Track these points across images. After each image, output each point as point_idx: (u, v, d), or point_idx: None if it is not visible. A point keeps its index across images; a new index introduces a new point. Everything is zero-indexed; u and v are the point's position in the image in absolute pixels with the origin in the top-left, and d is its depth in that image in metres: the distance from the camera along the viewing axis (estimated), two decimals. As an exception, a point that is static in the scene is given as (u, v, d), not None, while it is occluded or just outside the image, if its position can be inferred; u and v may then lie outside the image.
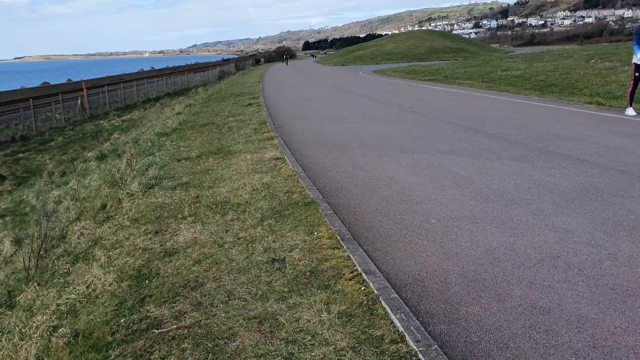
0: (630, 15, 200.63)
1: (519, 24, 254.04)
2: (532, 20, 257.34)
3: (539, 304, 3.96)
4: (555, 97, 18.23)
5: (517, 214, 6.04)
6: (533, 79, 23.78)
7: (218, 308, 4.12)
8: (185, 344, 3.65)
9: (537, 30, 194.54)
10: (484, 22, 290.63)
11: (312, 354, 3.39)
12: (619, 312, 3.83)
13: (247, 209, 6.59)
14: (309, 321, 3.78)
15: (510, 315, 3.83)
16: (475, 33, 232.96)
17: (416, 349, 3.32)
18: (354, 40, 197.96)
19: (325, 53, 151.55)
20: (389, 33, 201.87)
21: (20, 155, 20.99)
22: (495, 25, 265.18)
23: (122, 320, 4.15)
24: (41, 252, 6.63)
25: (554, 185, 7.13)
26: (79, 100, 33.26)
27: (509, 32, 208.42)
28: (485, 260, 4.80)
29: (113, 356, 3.65)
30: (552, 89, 20.38)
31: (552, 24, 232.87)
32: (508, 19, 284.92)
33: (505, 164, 8.51)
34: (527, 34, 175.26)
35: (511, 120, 13.23)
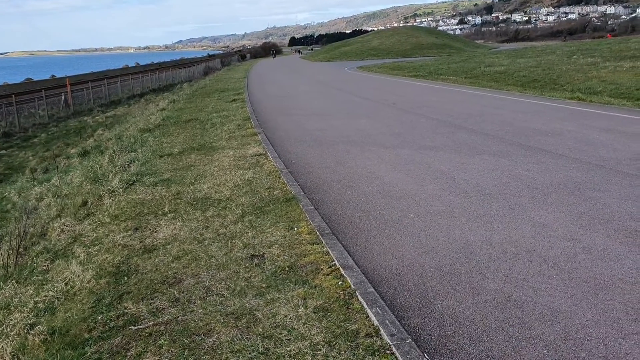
0: (612, 12, 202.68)
1: (504, 20, 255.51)
2: (517, 17, 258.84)
3: (513, 297, 4.02)
4: (536, 93, 18.40)
5: (494, 209, 6.11)
6: (516, 74, 23.97)
7: (196, 304, 4.13)
8: (162, 341, 3.66)
9: (521, 27, 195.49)
10: (469, 18, 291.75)
11: (288, 348, 3.42)
12: (591, 304, 3.90)
13: (228, 205, 6.60)
14: (286, 316, 3.81)
15: (484, 308, 3.89)
16: (460, 29, 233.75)
17: (390, 343, 3.36)
18: (339, 36, 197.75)
19: (312, 49, 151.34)
20: (375, 29, 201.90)
21: (2, 152, 20.76)
22: (480, 22, 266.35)
23: (99, 317, 4.15)
24: (20, 250, 6.58)
25: (532, 180, 7.21)
26: (63, 97, 32.91)
27: (494, 28, 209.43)
28: (461, 255, 4.86)
29: (89, 353, 3.65)
30: (534, 85, 20.56)
31: (536, 20, 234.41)
32: (493, 15, 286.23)
33: (485, 159, 8.59)
34: (511, 30, 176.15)
35: (492, 116, 13.34)
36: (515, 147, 9.39)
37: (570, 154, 8.62)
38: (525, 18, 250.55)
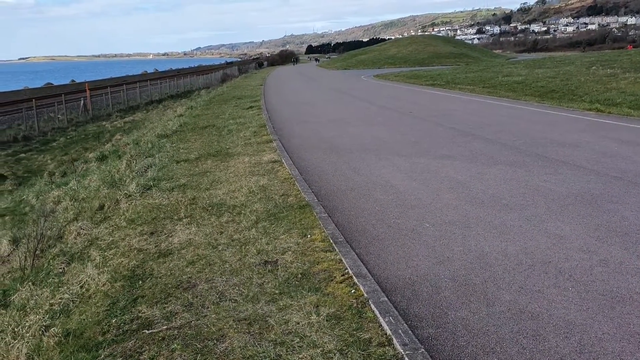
0: (633, 22, 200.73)
1: (522, 30, 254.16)
2: (535, 27, 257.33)
3: (528, 309, 3.98)
4: (554, 104, 18.25)
5: (510, 219, 6.06)
6: (534, 85, 23.80)
7: (209, 309, 4.15)
8: (175, 345, 3.67)
9: (539, 37, 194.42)
10: (487, 27, 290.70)
11: (300, 356, 3.42)
12: (607, 318, 3.84)
13: (243, 211, 6.62)
14: (298, 323, 3.80)
15: (498, 319, 3.85)
16: (478, 39, 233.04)
17: (403, 353, 3.34)
18: (357, 45, 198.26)
19: (329, 57, 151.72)
20: (392, 38, 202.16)
21: (22, 155, 21.05)
22: (498, 31, 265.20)
23: (113, 321, 4.18)
24: (37, 252, 6.66)
25: (548, 191, 7.14)
26: (82, 101, 33.31)
27: (512, 38, 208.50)
28: (476, 265, 4.82)
29: (102, 356, 3.67)
30: (552, 95, 20.40)
31: (555, 31, 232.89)
32: (511, 25, 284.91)
33: (501, 169, 8.53)
34: (529, 40, 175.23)
35: (510, 126, 13.25)
36: (533, 157, 9.32)
37: (588, 165, 8.53)
38: (544, 28, 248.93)
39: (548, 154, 9.53)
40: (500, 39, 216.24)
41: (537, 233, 5.61)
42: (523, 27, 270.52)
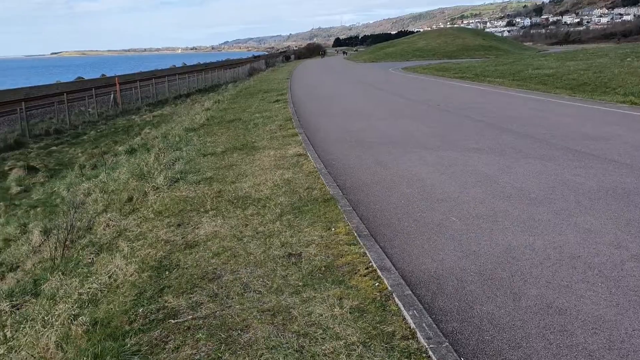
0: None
1: (554, 22, 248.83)
2: (568, 18, 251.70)
3: (555, 304, 3.91)
4: (586, 96, 17.86)
5: (539, 213, 5.96)
6: (565, 77, 23.32)
7: (233, 300, 4.18)
8: (200, 334, 3.71)
9: (572, 29, 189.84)
10: (518, 20, 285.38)
11: (323, 347, 3.42)
12: (638, 314, 3.75)
13: (267, 204, 6.65)
14: (321, 315, 3.81)
15: (525, 314, 3.79)
16: (509, 31, 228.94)
17: (427, 346, 3.32)
18: (384, 37, 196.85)
19: (356, 50, 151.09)
20: (421, 30, 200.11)
21: (54, 148, 21.47)
22: (529, 23, 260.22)
23: (140, 310, 4.24)
24: (67, 242, 6.80)
25: (579, 185, 7.00)
26: (112, 95, 33.85)
27: (543, 31, 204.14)
28: (503, 259, 4.76)
29: (129, 345, 3.73)
30: (584, 88, 19.95)
31: (588, 22, 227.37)
32: (542, 16, 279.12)
33: (530, 162, 8.39)
34: (561, 32, 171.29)
35: (540, 119, 13.02)
36: (563, 151, 9.14)
37: (619, 159, 8.33)
38: (577, 20, 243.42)
39: (579, 148, 9.34)
40: (531, 31, 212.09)
41: (566, 227, 5.50)
42: (555, 18, 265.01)
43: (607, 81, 20.59)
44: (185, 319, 3.98)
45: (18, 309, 5.33)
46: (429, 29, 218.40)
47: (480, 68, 34.48)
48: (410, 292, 4.07)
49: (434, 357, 3.20)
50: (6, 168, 17.37)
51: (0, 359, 4.39)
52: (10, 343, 4.54)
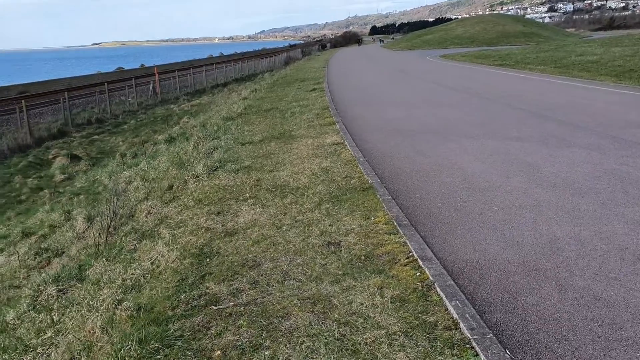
0: None
1: (597, 7, 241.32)
2: (612, 3, 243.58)
3: (603, 296, 3.80)
4: (633, 83, 17.27)
5: (584, 203, 5.79)
6: (610, 64, 22.57)
7: (274, 287, 4.20)
8: (241, 321, 3.74)
9: (617, 14, 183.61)
10: (560, 5, 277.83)
11: (364, 336, 3.40)
12: (691, 308, 3.61)
13: (306, 193, 6.65)
14: (362, 304, 3.79)
15: (571, 306, 3.69)
16: (550, 17, 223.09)
17: (470, 337, 3.27)
18: (422, 25, 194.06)
19: (393, 38, 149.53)
20: (459, 17, 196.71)
21: (95, 137, 21.99)
22: (572, 9, 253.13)
23: (182, 296, 4.30)
24: (110, 229, 6.94)
25: (626, 175, 6.78)
26: (151, 85, 34.41)
27: (586, 16, 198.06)
28: (547, 250, 4.64)
29: (172, 330, 3.79)
30: (631, 75, 19.27)
31: (634, 7, 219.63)
32: (585, 2, 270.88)
33: (574, 151, 8.16)
34: (606, 18, 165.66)
35: (583, 107, 12.65)
36: (608, 139, 8.86)
37: (670, 148, 8.02)
38: (622, 4, 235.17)
39: (625, 136, 9.04)
40: (574, 16, 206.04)
41: (613, 218, 5.33)
42: (599, 3, 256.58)
43: (655, 67, 19.85)
44: (226, 305, 4.02)
45: (64, 294, 5.48)
46: (468, 15, 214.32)
47: (520, 55, 33.67)
48: (452, 282, 4.01)
49: (477, 348, 3.15)
50: (50, 156, 17.87)
51: (48, 341, 4.52)
52: (57, 326, 4.67)
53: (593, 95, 15.01)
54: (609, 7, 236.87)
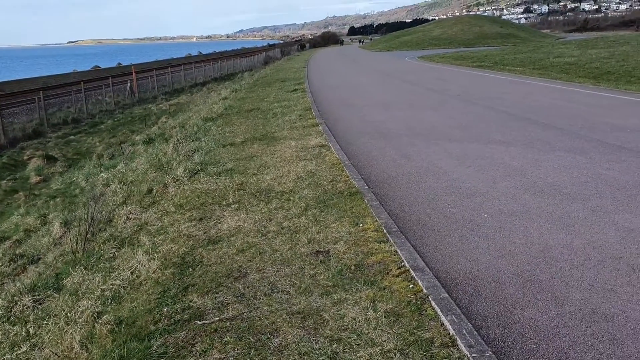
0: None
1: (571, 9, 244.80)
2: (586, 5, 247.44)
3: (601, 310, 3.70)
4: (611, 86, 17.43)
5: (574, 210, 5.72)
6: (587, 66, 22.81)
7: (261, 301, 4.02)
8: (228, 338, 3.56)
9: (590, 16, 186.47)
10: (535, 7, 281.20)
11: (358, 354, 3.25)
12: (690, 321, 3.53)
13: (291, 198, 6.48)
14: (354, 319, 3.63)
15: (569, 320, 3.59)
16: (526, 18, 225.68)
17: (469, 355, 3.14)
18: (400, 26, 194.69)
19: (371, 38, 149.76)
20: (436, 18, 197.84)
21: (72, 137, 21.47)
22: (547, 10, 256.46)
23: (165, 310, 4.10)
24: (88, 236, 6.68)
25: (613, 180, 6.74)
26: (129, 84, 33.82)
27: (561, 17, 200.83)
28: (541, 260, 4.54)
29: (155, 347, 3.59)
30: (608, 77, 19.47)
31: (606, 9, 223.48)
32: (560, 3, 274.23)
33: (560, 155, 8.12)
34: (579, 20, 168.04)
35: (565, 110, 12.69)
36: (593, 143, 8.85)
37: (654, 153, 8.03)
38: (595, 7, 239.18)
39: (609, 140, 9.04)
40: (549, 18, 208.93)
41: (604, 225, 5.27)
42: (573, 5, 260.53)
43: (631, 70, 20.12)
44: (211, 320, 3.83)
45: (40, 304, 5.23)
46: (445, 16, 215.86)
47: (498, 56, 33.91)
48: (446, 294, 3.88)
49: (477, 368, 3.02)
50: (25, 157, 17.40)
51: (23, 356, 4.28)
52: (33, 340, 4.44)
53: (574, 97, 15.08)
54: (583, 9, 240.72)
